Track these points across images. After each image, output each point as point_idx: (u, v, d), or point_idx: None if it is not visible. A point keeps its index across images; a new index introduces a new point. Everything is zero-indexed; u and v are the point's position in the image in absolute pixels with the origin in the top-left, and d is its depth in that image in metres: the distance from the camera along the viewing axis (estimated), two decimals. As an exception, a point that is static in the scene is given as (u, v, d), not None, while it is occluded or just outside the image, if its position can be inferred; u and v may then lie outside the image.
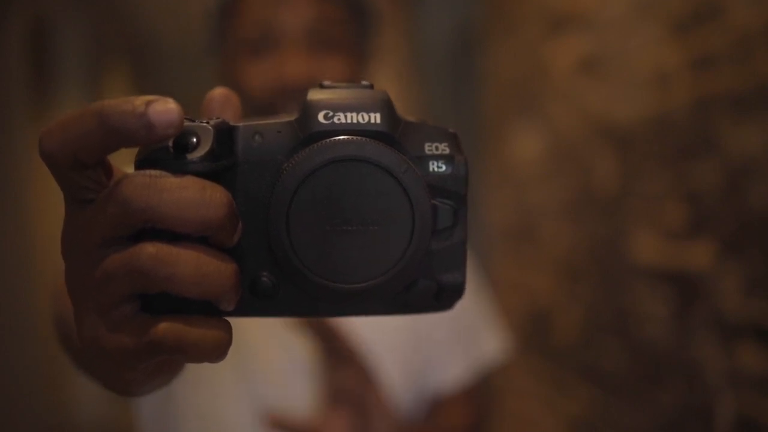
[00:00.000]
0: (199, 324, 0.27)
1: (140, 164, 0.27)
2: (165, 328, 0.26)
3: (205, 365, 0.79)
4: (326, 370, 0.64)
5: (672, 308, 1.19)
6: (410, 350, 0.80)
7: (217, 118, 0.29)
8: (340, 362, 0.62)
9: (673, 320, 1.19)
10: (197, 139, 0.27)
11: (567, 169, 1.67)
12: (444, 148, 0.30)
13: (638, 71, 1.31)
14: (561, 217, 1.70)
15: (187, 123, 0.27)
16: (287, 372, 0.75)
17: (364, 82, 0.30)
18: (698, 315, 1.11)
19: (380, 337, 0.76)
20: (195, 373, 0.75)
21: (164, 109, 0.25)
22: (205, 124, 0.28)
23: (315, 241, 0.28)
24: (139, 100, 0.25)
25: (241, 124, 0.30)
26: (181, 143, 0.27)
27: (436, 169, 0.30)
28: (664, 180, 1.22)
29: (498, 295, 2.01)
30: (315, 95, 0.29)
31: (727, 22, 1.03)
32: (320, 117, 0.29)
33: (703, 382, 1.10)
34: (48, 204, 2.82)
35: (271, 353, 0.76)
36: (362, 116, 0.29)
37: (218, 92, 0.33)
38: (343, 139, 0.28)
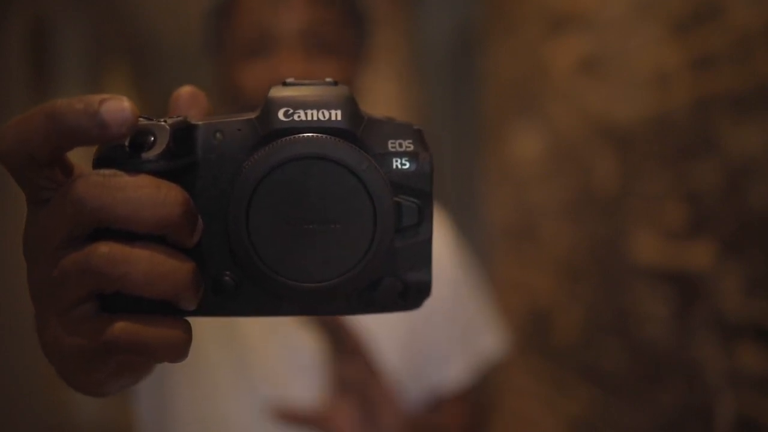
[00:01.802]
0: (156, 323, 0.27)
1: (96, 163, 0.27)
2: (120, 327, 0.26)
3: (204, 363, 0.80)
4: (331, 362, 0.64)
5: (672, 308, 1.19)
6: (407, 349, 0.80)
7: (177, 117, 0.29)
8: (345, 353, 0.63)
9: (673, 320, 1.19)
10: (154, 138, 0.27)
11: (567, 169, 1.67)
12: (408, 145, 0.30)
13: (638, 71, 1.31)
14: (561, 217, 1.70)
15: (143, 121, 0.27)
16: (287, 369, 0.75)
17: (328, 79, 0.30)
18: (698, 315, 1.11)
19: (376, 336, 0.76)
20: (193, 371, 0.75)
21: (117, 107, 0.25)
22: (162, 123, 0.28)
23: (276, 239, 0.28)
24: (93, 99, 0.25)
25: (201, 122, 0.29)
26: (137, 142, 0.27)
27: (399, 167, 0.30)
28: (664, 180, 1.22)
29: (498, 294, 2.01)
30: (276, 92, 0.29)
31: (727, 22, 1.03)
32: (280, 114, 0.28)
33: (703, 382, 1.10)
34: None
35: (271, 350, 0.76)
36: (323, 113, 0.28)
37: (185, 90, 0.33)
38: (303, 136, 0.28)
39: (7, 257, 2.59)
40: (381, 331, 0.77)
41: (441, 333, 0.83)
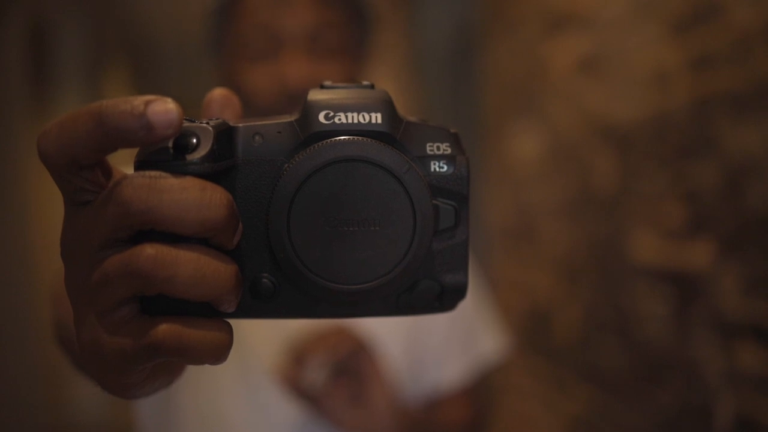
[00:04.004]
0: (199, 326, 0.27)
1: (140, 165, 0.27)
2: (165, 329, 0.26)
3: (205, 366, 0.80)
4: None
5: (671, 308, 1.19)
6: (408, 348, 0.81)
7: (217, 119, 0.29)
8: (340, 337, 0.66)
9: (673, 320, 1.19)
10: (197, 140, 0.27)
11: (566, 169, 1.67)
12: (446, 148, 0.30)
13: (638, 71, 1.31)
14: (560, 217, 1.70)
15: (186, 123, 0.27)
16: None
17: (365, 83, 0.30)
18: (698, 315, 1.11)
19: (377, 334, 0.77)
20: (195, 373, 0.75)
21: (163, 109, 0.25)
22: (205, 125, 0.28)
23: (316, 242, 0.28)
24: (138, 100, 0.25)
25: (241, 124, 0.29)
26: (181, 144, 0.27)
27: (437, 170, 0.30)
28: (663, 180, 1.22)
29: (497, 294, 2.01)
30: (315, 95, 0.29)
31: (727, 22, 1.03)
32: (321, 117, 0.28)
33: (702, 382, 1.10)
34: (48, 204, 2.82)
35: (272, 354, 0.76)
36: (363, 116, 0.28)
37: (218, 92, 0.33)
38: (344, 139, 0.28)
39: (7, 257, 2.59)
40: (382, 332, 0.77)
41: (441, 335, 0.83)
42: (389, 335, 0.79)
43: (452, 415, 0.83)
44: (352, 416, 0.67)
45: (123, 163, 0.30)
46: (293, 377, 0.67)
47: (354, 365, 0.67)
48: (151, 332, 0.26)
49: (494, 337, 0.89)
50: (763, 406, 0.97)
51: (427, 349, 0.82)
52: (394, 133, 0.29)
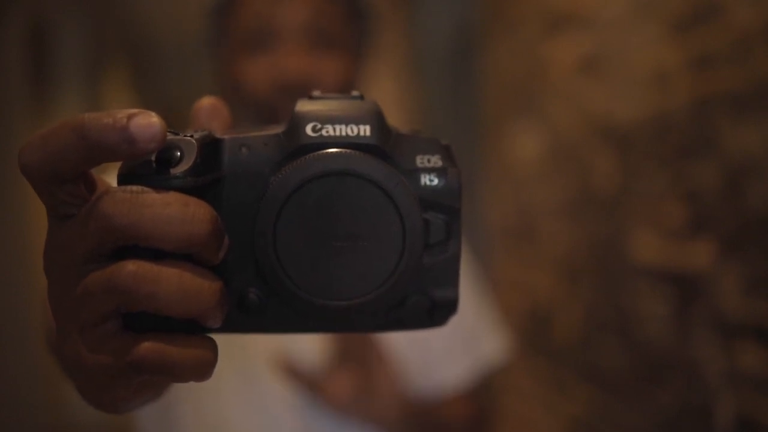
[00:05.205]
0: (182, 343, 0.26)
1: (122, 179, 0.26)
2: (147, 347, 0.25)
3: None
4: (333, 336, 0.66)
5: (672, 308, 1.19)
6: (408, 351, 0.80)
7: (203, 131, 0.28)
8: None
9: (673, 320, 1.19)
10: (181, 153, 0.27)
11: (567, 169, 1.67)
12: (436, 161, 0.29)
13: (638, 71, 1.31)
14: (561, 217, 1.70)
15: (170, 136, 0.27)
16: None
17: (354, 93, 0.29)
18: (698, 315, 1.11)
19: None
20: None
21: (146, 122, 0.25)
22: (189, 138, 0.27)
23: (303, 256, 0.28)
24: (121, 114, 0.25)
25: (227, 136, 0.29)
26: (164, 158, 0.26)
27: (428, 183, 0.29)
28: (663, 179, 1.22)
29: (498, 294, 2.01)
30: (303, 107, 0.28)
31: (727, 22, 1.03)
32: (308, 129, 0.28)
33: (703, 382, 1.09)
34: (48, 204, 2.81)
35: (273, 355, 0.76)
36: (351, 128, 0.28)
37: (206, 102, 0.33)
38: (332, 152, 0.28)
39: (6, 257, 2.59)
40: (382, 335, 0.77)
41: (443, 337, 0.83)
42: (387, 338, 0.78)
43: (454, 418, 0.83)
44: (357, 404, 0.66)
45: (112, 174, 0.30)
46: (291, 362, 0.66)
47: (359, 353, 0.66)
48: (133, 350, 0.25)
49: (496, 339, 0.89)
50: (763, 407, 0.97)
51: (429, 351, 0.82)
52: (384, 146, 0.28)
